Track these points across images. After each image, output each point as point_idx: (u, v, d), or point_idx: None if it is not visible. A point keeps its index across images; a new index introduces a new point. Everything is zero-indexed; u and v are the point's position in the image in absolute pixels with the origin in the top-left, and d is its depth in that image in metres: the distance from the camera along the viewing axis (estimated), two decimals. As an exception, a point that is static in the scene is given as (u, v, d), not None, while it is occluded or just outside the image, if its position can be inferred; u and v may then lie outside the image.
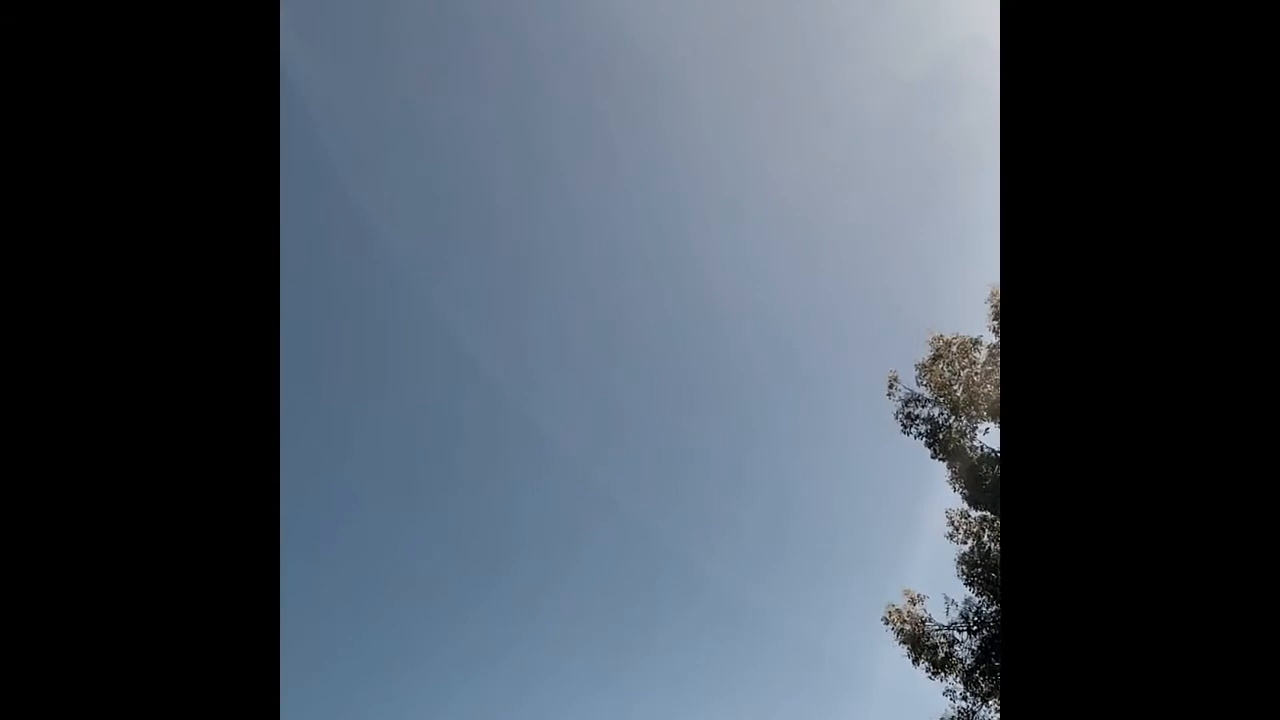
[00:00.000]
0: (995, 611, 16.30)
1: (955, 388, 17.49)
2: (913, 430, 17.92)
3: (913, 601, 17.24)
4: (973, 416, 17.10)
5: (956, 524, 17.23)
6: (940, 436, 17.53)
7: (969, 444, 17.18)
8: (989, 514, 16.77)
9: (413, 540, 43.64)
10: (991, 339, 17.43)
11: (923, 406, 17.88)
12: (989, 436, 17.16)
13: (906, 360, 18.45)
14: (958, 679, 16.38)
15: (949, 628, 16.72)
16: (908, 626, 16.89)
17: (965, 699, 16.30)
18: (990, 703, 16.10)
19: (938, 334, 17.92)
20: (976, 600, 16.66)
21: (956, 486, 17.27)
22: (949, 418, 17.56)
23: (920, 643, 16.71)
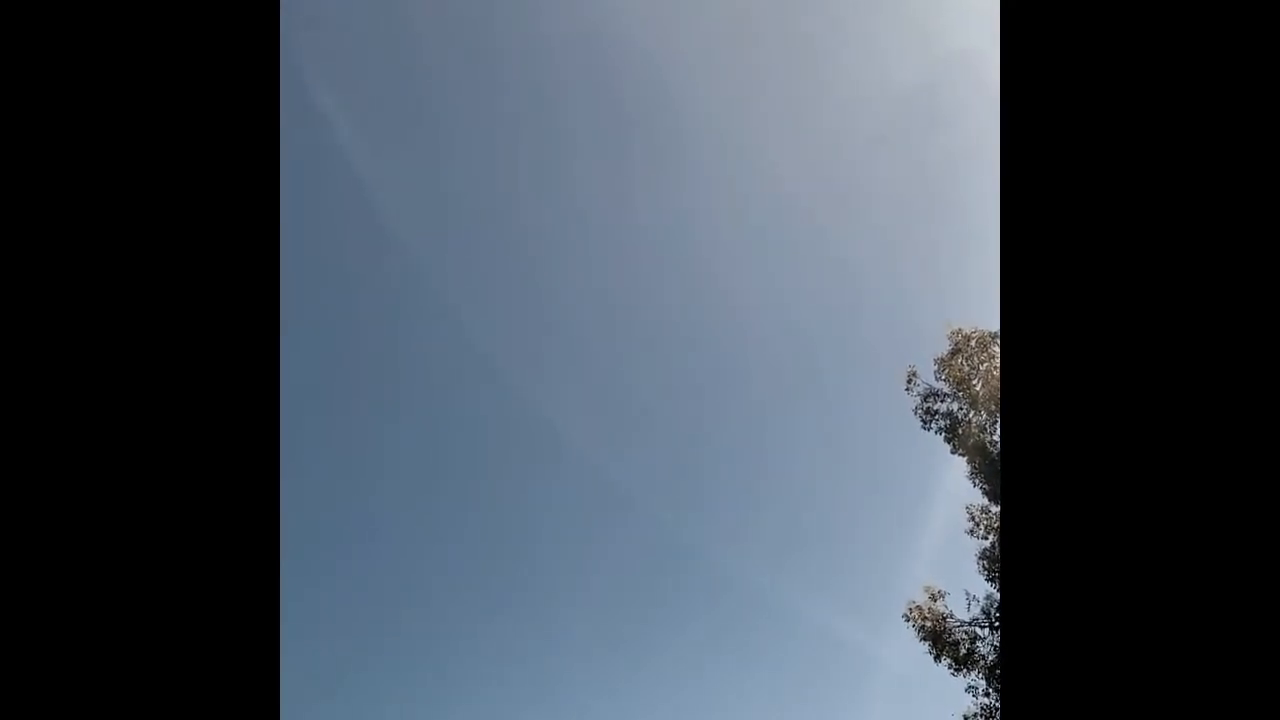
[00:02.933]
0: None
1: (974, 382, 17.32)
2: (932, 425, 17.79)
3: (933, 598, 17.08)
4: (992, 411, 16.91)
5: (977, 519, 17.06)
6: (959, 431, 17.38)
7: (989, 439, 17.00)
8: (1010, 509, 16.58)
9: (426, 541, 43.87)
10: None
11: (942, 401, 17.74)
12: (1009, 431, 16.97)
13: (919, 352, 18.32)
14: (980, 675, 16.22)
15: (970, 624, 16.56)
16: (929, 623, 16.74)
17: (988, 695, 16.14)
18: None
19: (956, 327, 17.76)
20: (998, 596, 16.49)
21: (976, 481, 17.11)
22: (968, 412, 17.40)
23: (942, 639, 16.55)
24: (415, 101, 39.45)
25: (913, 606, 16.97)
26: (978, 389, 17.19)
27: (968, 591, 16.90)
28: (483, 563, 44.35)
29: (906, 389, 18.03)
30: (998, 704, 16.06)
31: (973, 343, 17.42)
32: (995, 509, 16.89)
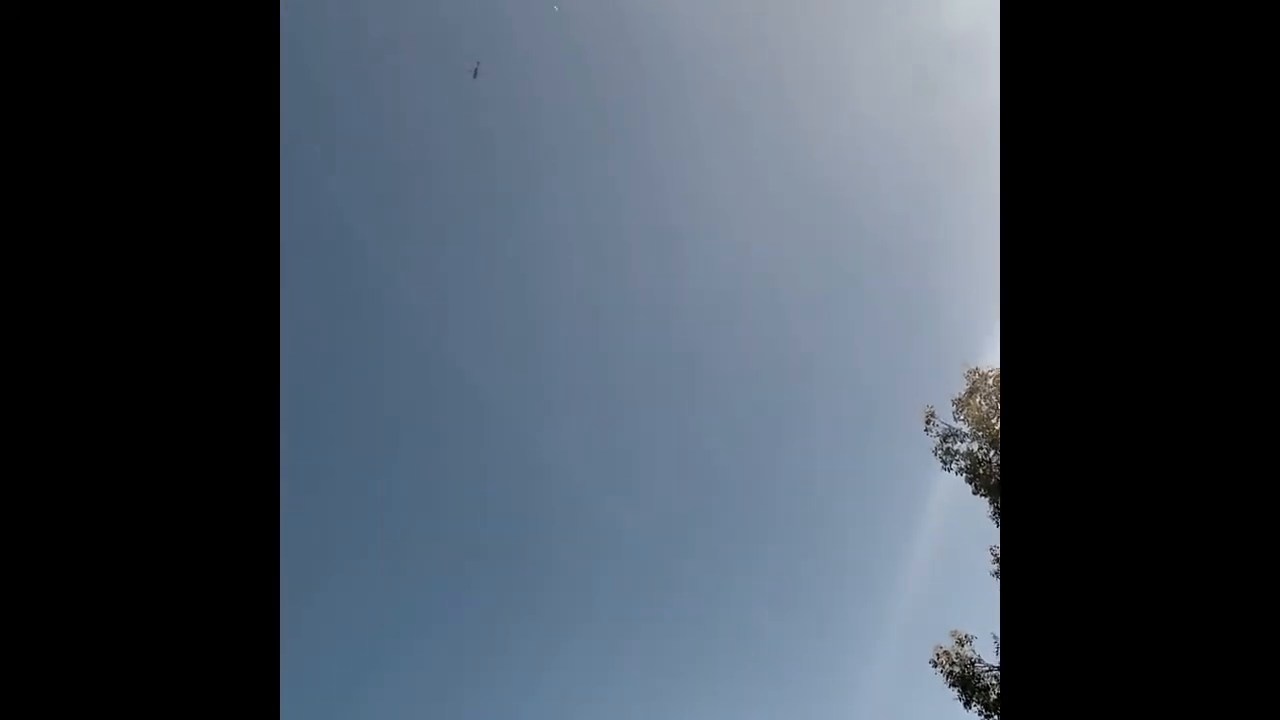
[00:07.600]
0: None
1: (993, 421, 17.18)
2: (952, 466, 17.62)
3: (961, 643, 16.70)
4: (1012, 449, 16.75)
5: (1002, 561, 16.77)
6: (980, 472, 17.18)
7: (1010, 478, 16.80)
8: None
9: (459, 614, 43.70)
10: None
11: (961, 441, 17.59)
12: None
13: (934, 373, 18.22)
14: (1012, 722, 15.77)
15: (1000, 667, 16.16)
16: (957, 669, 16.34)
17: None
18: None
19: (973, 367, 17.71)
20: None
21: (999, 522, 16.86)
22: (988, 452, 17.22)
23: (971, 685, 16.13)
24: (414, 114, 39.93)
25: (940, 651, 16.59)
26: (997, 428, 17.07)
27: (995, 635, 16.53)
28: (515, 642, 44.17)
29: (925, 429, 17.93)
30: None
31: (990, 381, 17.34)
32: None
